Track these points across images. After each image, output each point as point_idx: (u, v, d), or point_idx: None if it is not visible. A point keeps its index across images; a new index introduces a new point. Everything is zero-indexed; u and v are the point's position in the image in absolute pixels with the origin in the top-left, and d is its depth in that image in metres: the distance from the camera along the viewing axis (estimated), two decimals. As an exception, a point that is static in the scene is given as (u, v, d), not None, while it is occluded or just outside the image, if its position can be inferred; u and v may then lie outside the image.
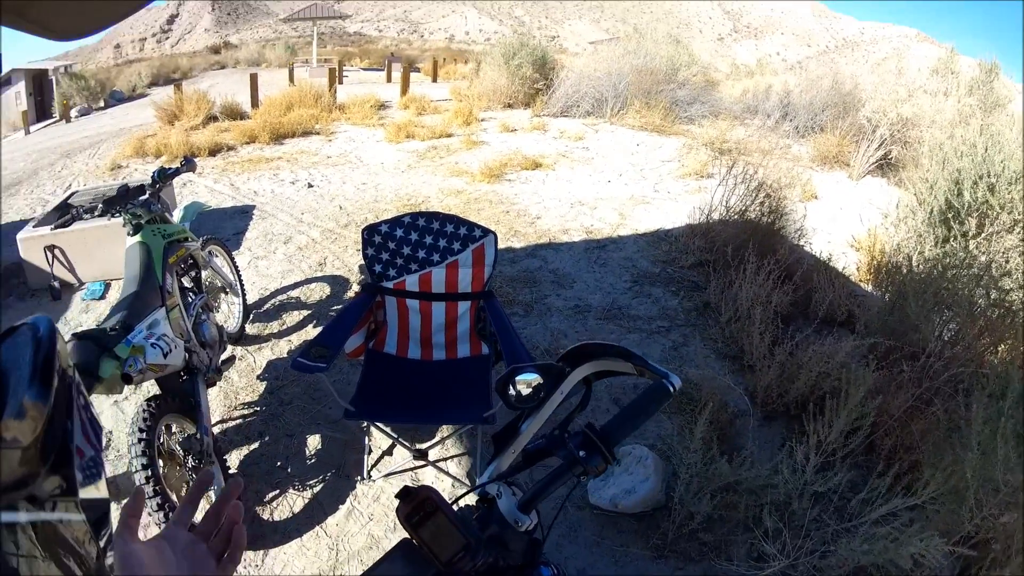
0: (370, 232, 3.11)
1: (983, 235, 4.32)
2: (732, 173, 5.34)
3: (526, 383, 1.21)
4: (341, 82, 17.52)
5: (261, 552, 2.62)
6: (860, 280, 5.22)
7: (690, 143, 9.26)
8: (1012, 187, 4.29)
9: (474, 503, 1.18)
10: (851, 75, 11.91)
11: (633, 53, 11.36)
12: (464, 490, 1.54)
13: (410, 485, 1.01)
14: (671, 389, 1.18)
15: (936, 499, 2.36)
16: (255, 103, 12.09)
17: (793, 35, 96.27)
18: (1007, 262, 4.11)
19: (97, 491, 0.62)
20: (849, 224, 6.28)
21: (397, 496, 1.00)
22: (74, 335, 2.32)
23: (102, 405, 3.40)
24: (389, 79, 20.96)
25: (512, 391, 1.20)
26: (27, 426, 0.51)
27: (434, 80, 20.57)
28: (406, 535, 1.01)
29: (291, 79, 18.68)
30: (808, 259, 4.93)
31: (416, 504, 0.98)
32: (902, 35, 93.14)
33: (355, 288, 4.74)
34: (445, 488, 2.95)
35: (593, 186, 7.48)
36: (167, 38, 78.67)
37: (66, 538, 0.56)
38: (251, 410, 3.43)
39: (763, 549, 2.46)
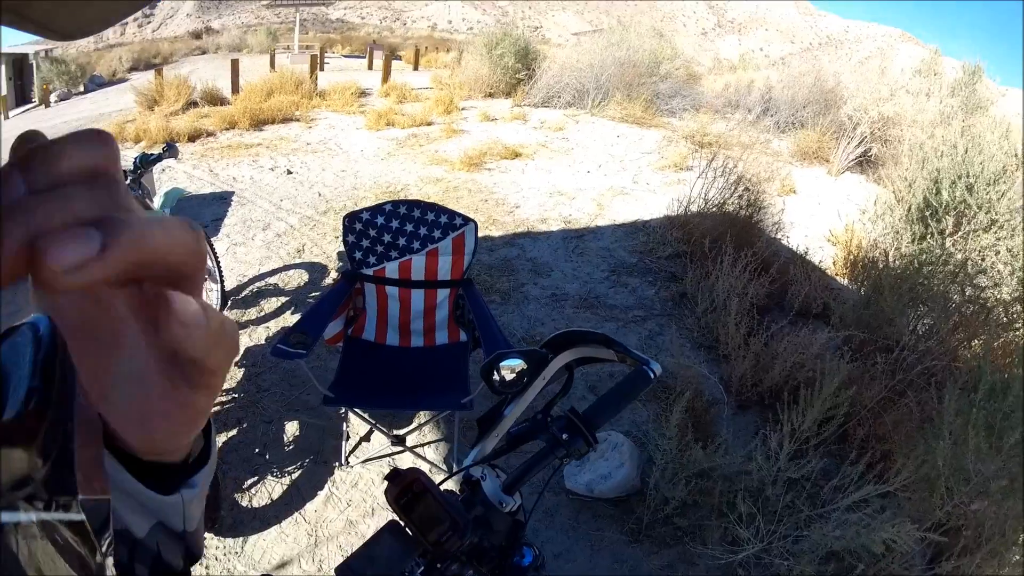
0: (351, 219, 3.10)
1: (960, 233, 4.37)
2: (712, 166, 5.38)
3: (510, 369, 1.23)
4: (322, 69, 17.35)
5: (240, 539, 2.61)
6: (836, 274, 5.27)
7: (670, 136, 9.24)
8: (990, 188, 4.33)
9: (458, 486, 1.20)
10: (834, 72, 11.87)
11: (616, 45, 11.24)
12: (448, 473, 1.57)
13: (399, 468, 1.03)
14: (651, 375, 1.22)
15: (907, 487, 2.40)
16: (235, 89, 11.94)
17: (777, 31, 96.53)
18: (983, 260, 4.17)
19: (97, 491, 0.63)
20: (827, 219, 6.32)
21: (386, 478, 1.03)
22: None
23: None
24: (370, 67, 20.80)
25: (496, 376, 1.22)
26: (27, 426, 0.52)
27: (415, 68, 20.44)
28: (392, 517, 1.03)
29: (272, 65, 18.45)
30: (785, 252, 4.98)
31: (404, 486, 1.00)
32: (886, 35, 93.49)
33: (333, 275, 4.73)
34: (423, 474, 2.96)
35: (572, 176, 7.46)
36: (148, 23, 77.08)
37: (66, 538, 0.57)
38: (229, 397, 3.41)
39: (737, 533, 2.49)
